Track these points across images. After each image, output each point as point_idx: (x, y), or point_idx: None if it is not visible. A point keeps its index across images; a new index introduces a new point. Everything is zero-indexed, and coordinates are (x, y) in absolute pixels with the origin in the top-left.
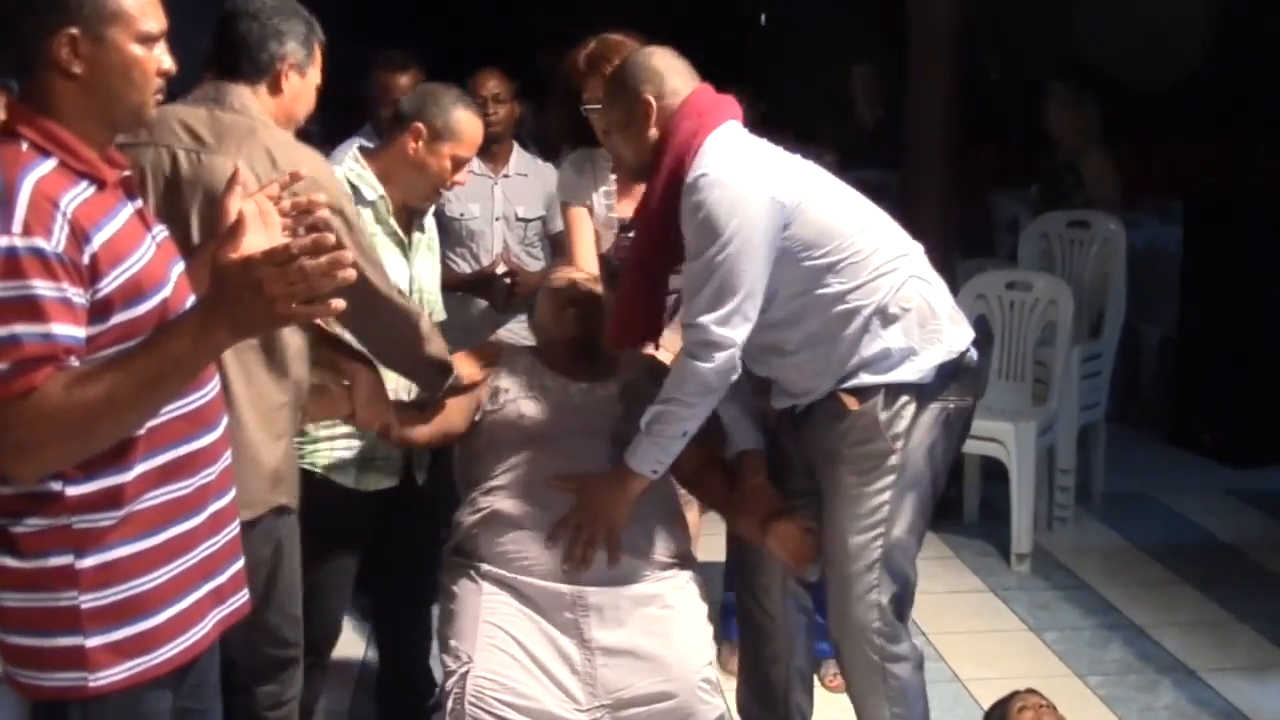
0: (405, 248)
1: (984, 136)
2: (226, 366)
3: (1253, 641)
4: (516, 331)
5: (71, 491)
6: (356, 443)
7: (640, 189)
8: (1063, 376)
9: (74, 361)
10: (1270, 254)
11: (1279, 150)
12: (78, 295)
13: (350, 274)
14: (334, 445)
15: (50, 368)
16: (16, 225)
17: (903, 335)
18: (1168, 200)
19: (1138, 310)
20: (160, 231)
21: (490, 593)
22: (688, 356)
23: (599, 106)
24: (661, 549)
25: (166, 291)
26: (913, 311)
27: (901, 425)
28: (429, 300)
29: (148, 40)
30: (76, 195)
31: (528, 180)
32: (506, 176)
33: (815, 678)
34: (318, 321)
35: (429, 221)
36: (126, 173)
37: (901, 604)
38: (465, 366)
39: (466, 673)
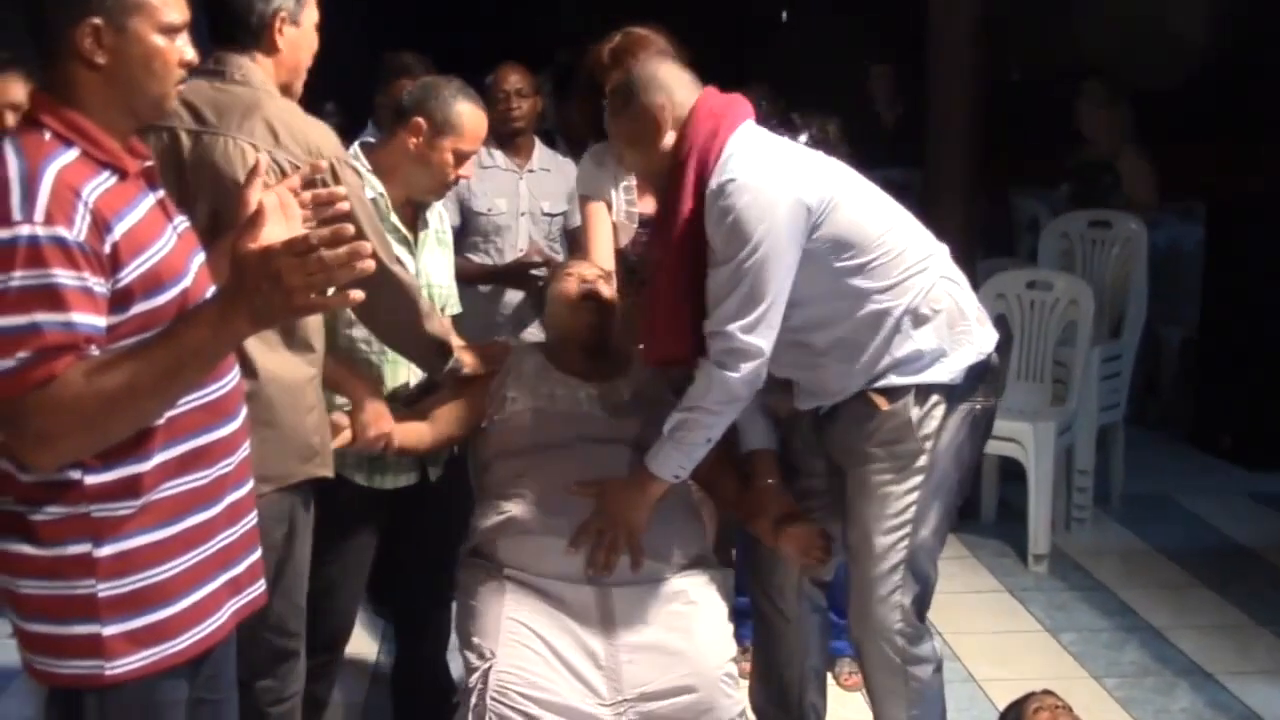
0: (410, 244)
1: (1005, 136)
2: (249, 345)
3: (1271, 645)
4: (538, 336)
5: (90, 480)
6: None
7: None
8: (1082, 377)
9: (94, 351)
10: None
11: None
12: (99, 285)
13: (369, 265)
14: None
15: (70, 356)
16: (39, 214)
17: (934, 336)
18: (1188, 200)
19: (1158, 311)
20: (182, 222)
21: (513, 591)
22: (715, 365)
23: None
24: (682, 550)
25: (187, 282)
26: (943, 312)
27: (932, 426)
28: (440, 295)
29: (170, 31)
30: (98, 185)
31: (551, 175)
32: (531, 171)
33: (830, 676)
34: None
35: (443, 215)
36: (149, 163)
37: (923, 604)
38: (468, 355)
39: (489, 668)
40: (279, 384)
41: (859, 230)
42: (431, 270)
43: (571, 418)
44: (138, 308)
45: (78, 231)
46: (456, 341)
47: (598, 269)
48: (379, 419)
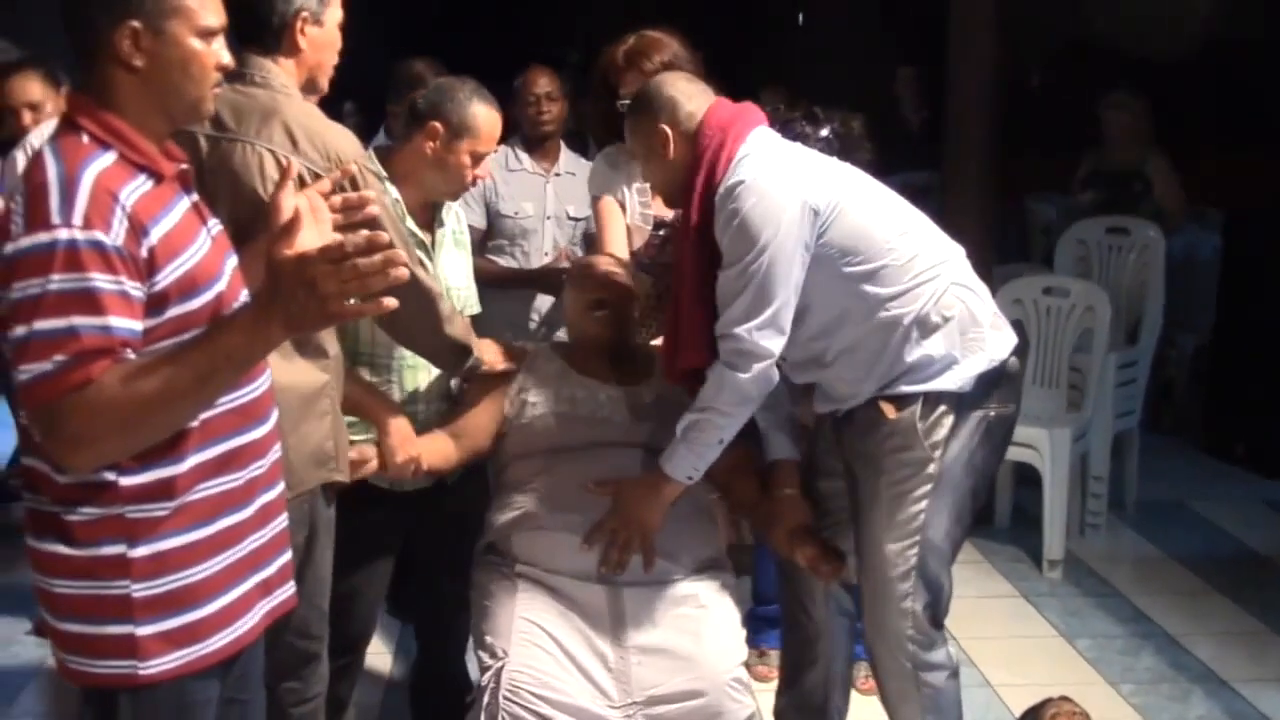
0: (427, 247)
1: (1023, 142)
2: None
3: None
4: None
5: (125, 482)
6: None
7: None
8: (1098, 383)
9: (130, 354)
10: None
11: None
12: (135, 288)
13: (403, 273)
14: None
15: (107, 360)
16: (77, 218)
17: (944, 343)
18: (1204, 208)
19: (1172, 318)
20: (215, 225)
21: (525, 590)
22: (725, 366)
23: None
24: (695, 552)
25: (221, 286)
26: (954, 319)
27: (940, 434)
28: (459, 296)
29: (207, 34)
30: (135, 188)
31: (576, 179)
32: (558, 175)
33: None
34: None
35: (459, 215)
36: (184, 166)
37: (936, 611)
38: (488, 352)
39: (502, 668)
40: (293, 391)
41: (867, 235)
42: (449, 272)
43: (592, 421)
44: (173, 311)
45: (115, 235)
46: (476, 336)
47: (613, 261)
48: (405, 444)
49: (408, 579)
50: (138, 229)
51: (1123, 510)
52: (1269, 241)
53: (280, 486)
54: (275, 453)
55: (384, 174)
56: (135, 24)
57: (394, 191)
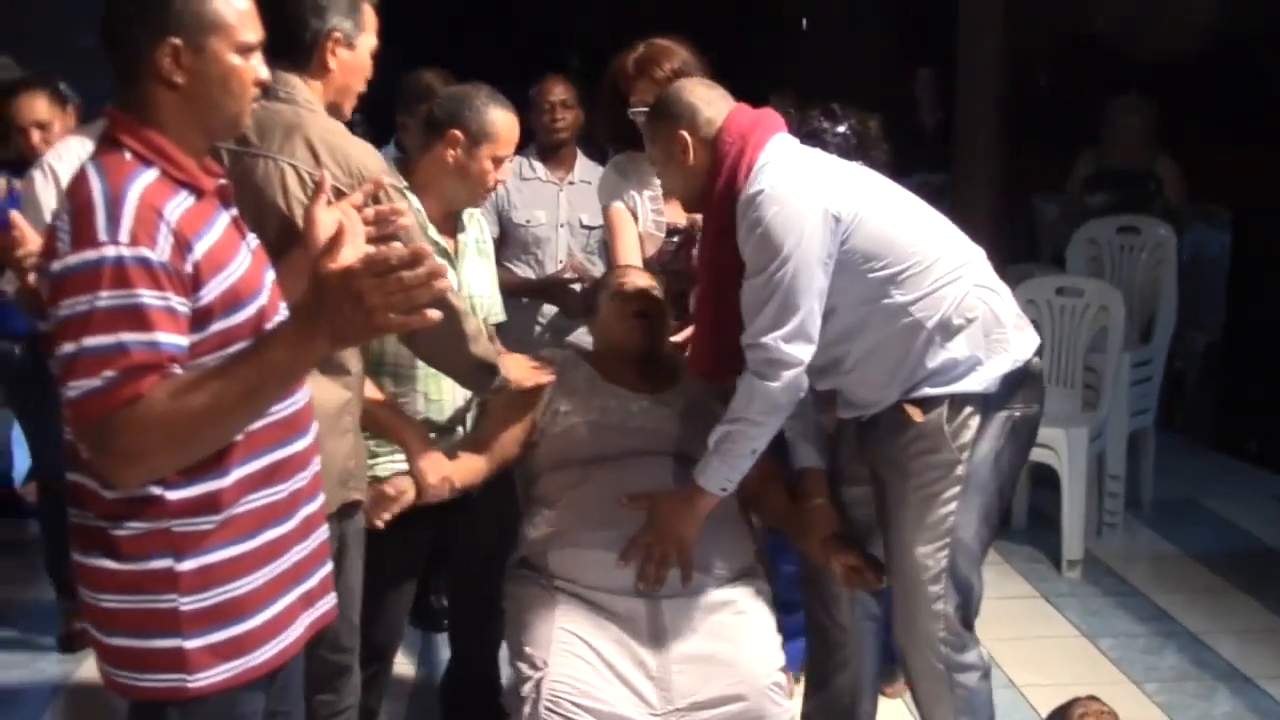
0: (450, 257)
1: (1032, 141)
2: None
3: None
4: (586, 339)
5: (172, 496)
6: None
7: None
8: (1114, 382)
9: (177, 369)
10: None
11: None
12: (181, 304)
13: (447, 284)
14: (394, 458)
15: (156, 376)
16: (124, 235)
17: (967, 345)
18: (1212, 206)
19: (1181, 315)
20: (253, 240)
21: (563, 601)
22: (754, 376)
23: (645, 109)
24: (730, 562)
25: (263, 300)
26: (977, 321)
27: (967, 435)
28: (482, 305)
29: (246, 50)
30: (178, 204)
31: (591, 188)
32: (571, 183)
33: None
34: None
35: (483, 224)
36: (222, 181)
37: (967, 612)
38: (516, 369)
39: (542, 679)
40: (316, 409)
41: (890, 240)
42: (472, 280)
43: (623, 430)
44: (217, 326)
45: (161, 251)
46: (503, 351)
47: (648, 277)
48: (437, 466)
49: (429, 589)
50: (182, 245)
51: (1138, 509)
52: (1278, 240)
53: (320, 498)
54: (315, 465)
55: (404, 185)
56: (176, 41)
57: (415, 201)
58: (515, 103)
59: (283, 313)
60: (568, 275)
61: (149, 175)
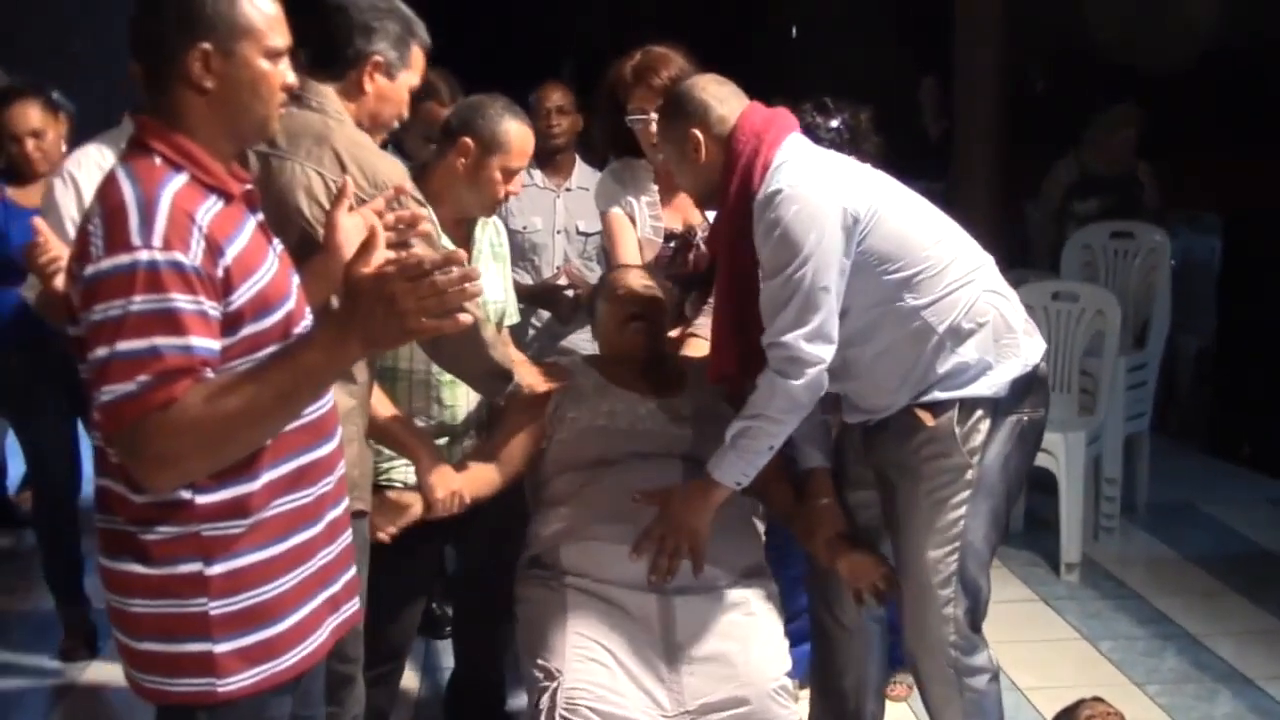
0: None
1: (1025, 145)
2: None
3: None
4: (580, 344)
5: (201, 500)
6: None
7: (685, 196)
8: (1110, 387)
9: (210, 374)
10: None
11: None
12: (213, 308)
13: (480, 288)
14: (409, 463)
15: (189, 380)
16: (157, 239)
17: (977, 350)
18: (1199, 212)
19: (1173, 321)
20: (278, 244)
21: (575, 603)
22: (777, 374)
23: (643, 117)
24: (740, 559)
25: (290, 304)
26: (988, 325)
27: (978, 440)
28: (495, 310)
29: (274, 55)
30: (209, 209)
31: (588, 194)
32: (569, 190)
33: None
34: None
35: (498, 228)
36: (249, 186)
37: (976, 616)
38: (528, 375)
39: (558, 687)
40: None
41: (905, 242)
42: (486, 285)
43: (632, 434)
44: (247, 330)
45: (194, 256)
46: (516, 356)
47: (642, 274)
48: (446, 481)
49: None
50: (214, 249)
51: (1134, 513)
52: (1270, 243)
53: (345, 502)
54: (341, 469)
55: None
56: (206, 46)
57: (429, 210)
58: None
59: (309, 318)
60: (562, 281)
61: (179, 180)
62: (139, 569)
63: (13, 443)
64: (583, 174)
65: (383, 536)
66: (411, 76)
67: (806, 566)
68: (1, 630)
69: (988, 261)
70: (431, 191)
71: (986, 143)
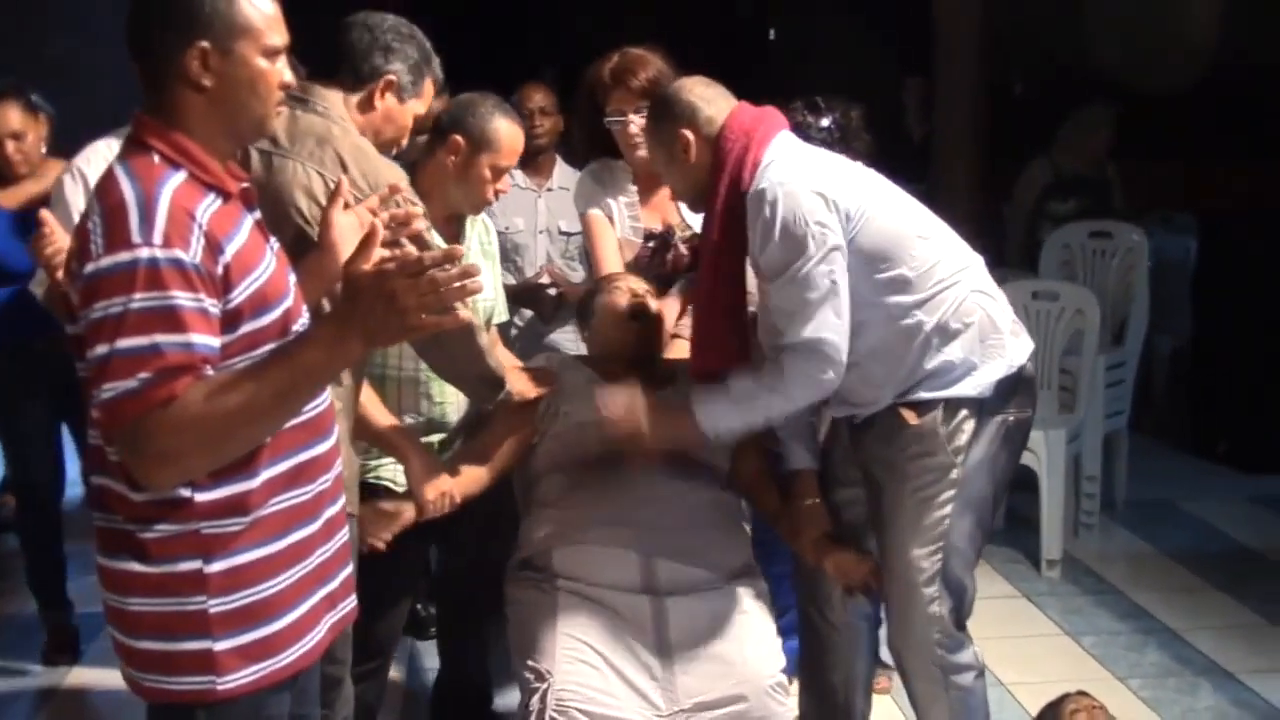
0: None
1: (1007, 148)
2: None
3: None
4: (562, 343)
5: (200, 498)
6: None
7: (663, 196)
8: (1090, 385)
9: (210, 371)
10: None
11: None
12: (213, 305)
13: (479, 285)
14: (397, 463)
15: (190, 377)
16: (157, 237)
17: (962, 350)
18: (1172, 212)
19: (1149, 320)
20: (275, 242)
21: (566, 605)
22: (803, 369)
23: (622, 119)
24: (728, 559)
25: (288, 302)
26: (974, 325)
27: (962, 439)
28: (486, 307)
29: (272, 54)
30: (208, 206)
31: (569, 194)
32: (550, 190)
33: None
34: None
35: (488, 225)
36: (246, 184)
37: (960, 614)
38: (519, 382)
39: (548, 689)
40: None
41: (894, 240)
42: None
43: None
44: (246, 328)
45: (194, 253)
46: (509, 361)
47: (641, 282)
48: (436, 483)
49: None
50: (213, 247)
51: (1113, 510)
52: (1244, 244)
53: (342, 500)
54: (338, 467)
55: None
56: (204, 44)
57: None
58: None
59: (306, 315)
60: (544, 280)
61: (178, 177)
62: (138, 567)
63: None
64: (564, 174)
65: (377, 544)
66: (419, 105)
67: (793, 564)
68: None
69: (976, 261)
70: (422, 189)
71: (965, 144)
